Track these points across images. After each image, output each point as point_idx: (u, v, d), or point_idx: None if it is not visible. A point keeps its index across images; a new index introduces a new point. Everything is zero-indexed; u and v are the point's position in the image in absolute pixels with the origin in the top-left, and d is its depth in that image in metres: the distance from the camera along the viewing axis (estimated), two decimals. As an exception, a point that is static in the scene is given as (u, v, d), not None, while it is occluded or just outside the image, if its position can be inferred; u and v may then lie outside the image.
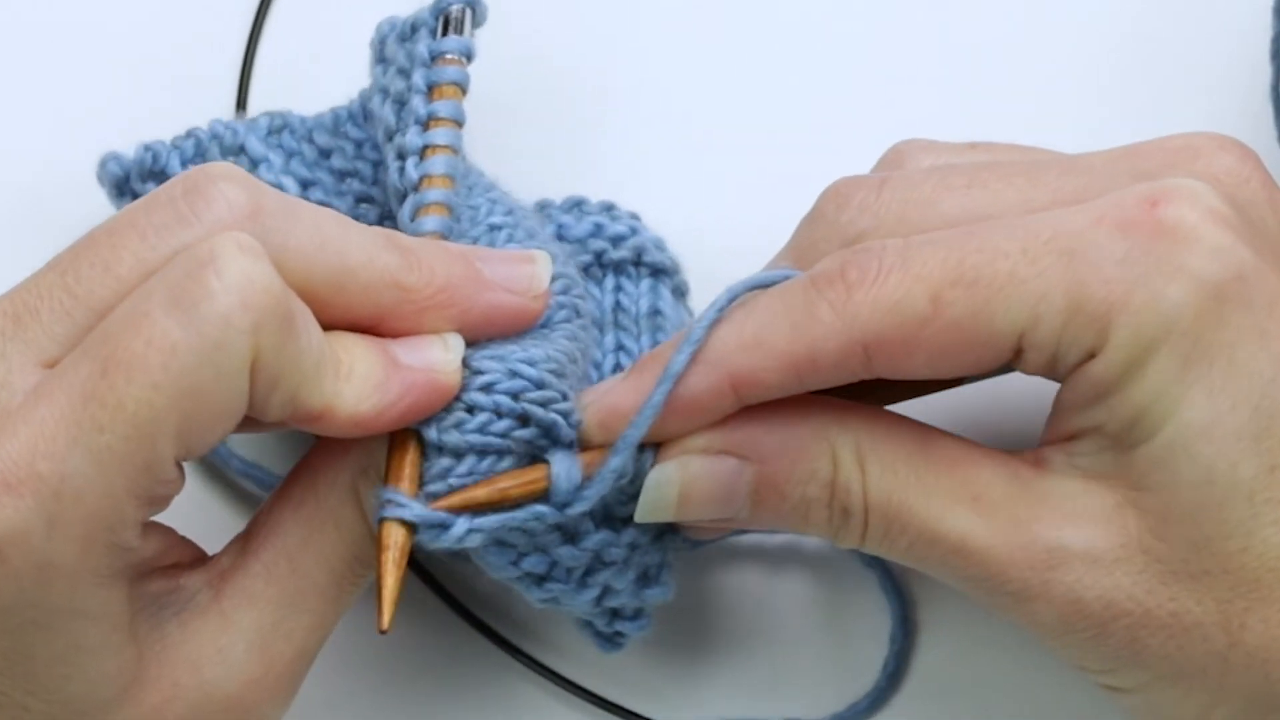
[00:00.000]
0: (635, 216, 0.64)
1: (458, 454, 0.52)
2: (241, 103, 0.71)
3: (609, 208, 0.64)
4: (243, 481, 0.65)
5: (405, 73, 0.59)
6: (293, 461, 0.56)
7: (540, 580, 0.55)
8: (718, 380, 0.53)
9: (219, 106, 0.71)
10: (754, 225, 0.61)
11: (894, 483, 0.53)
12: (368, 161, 0.62)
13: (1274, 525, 0.51)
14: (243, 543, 0.54)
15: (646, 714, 0.64)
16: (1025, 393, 0.58)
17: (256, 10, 0.72)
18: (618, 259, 0.62)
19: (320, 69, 0.70)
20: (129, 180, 0.62)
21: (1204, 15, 0.64)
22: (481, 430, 0.52)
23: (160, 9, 0.72)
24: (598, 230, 0.62)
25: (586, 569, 0.55)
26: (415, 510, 0.51)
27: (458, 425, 0.52)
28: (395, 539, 0.51)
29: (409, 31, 0.60)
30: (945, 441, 0.54)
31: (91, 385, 0.48)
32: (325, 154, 0.62)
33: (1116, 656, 0.53)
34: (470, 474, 0.52)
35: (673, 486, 0.54)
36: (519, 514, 0.52)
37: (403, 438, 0.52)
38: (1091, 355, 0.51)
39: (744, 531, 0.63)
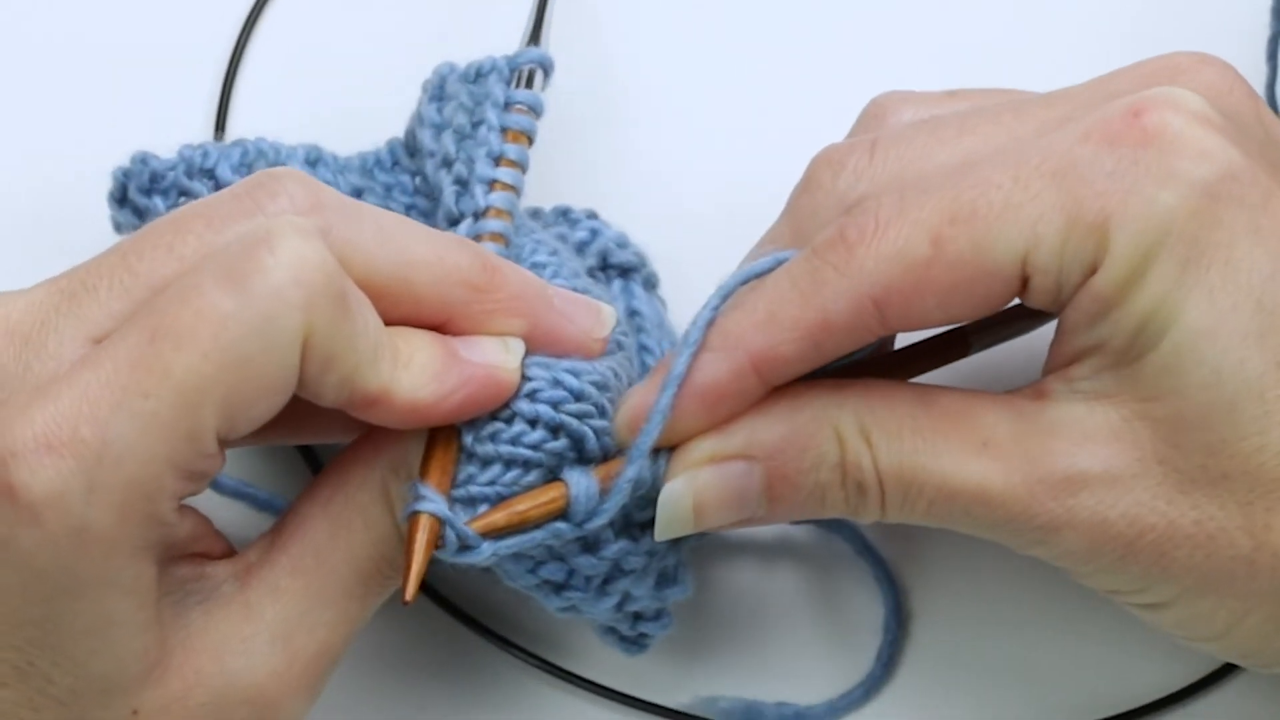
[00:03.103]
0: (592, 215, 0.64)
1: (486, 462, 0.52)
2: (220, 125, 0.71)
3: (565, 212, 0.64)
4: (235, 501, 0.65)
5: (468, 110, 0.60)
6: (285, 482, 0.57)
7: (559, 589, 0.55)
8: (738, 363, 0.53)
9: (196, 130, 0.71)
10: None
11: (902, 448, 0.53)
12: (398, 204, 0.62)
13: None
14: (271, 538, 0.54)
15: (642, 696, 0.63)
16: (1022, 369, 0.59)
17: (238, 35, 0.72)
18: (586, 268, 0.62)
19: (299, 94, 0.71)
20: (159, 184, 0.61)
21: (1203, 15, 0.64)
22: (514, 441, 0.52)
23: (139, 31, 0.73)
24: (561, 241, 0.62)
25: (605, 577, 0.55)
26: (445, 510, 0.51)
27: (493, 435, 0.52)
28: (425, 529, 0.51)
29: (474, 75, 0.61)
30: (944, 396, 0.54)
31: (139, 352, 0.48)
32: (357, 193, 0.62)
33: (1146, 574, 0.52)
34: (492, 483, 0.52)
35: (685, 500, 0.54)
36: (539, 534, 0.52)
37: (444, 436, 0.53)
38: (1093, 271, 0.51)
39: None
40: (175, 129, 0.70)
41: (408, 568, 0.51)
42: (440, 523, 0.51)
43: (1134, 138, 0.51)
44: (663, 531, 0.54)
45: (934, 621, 0.64)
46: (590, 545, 0.54)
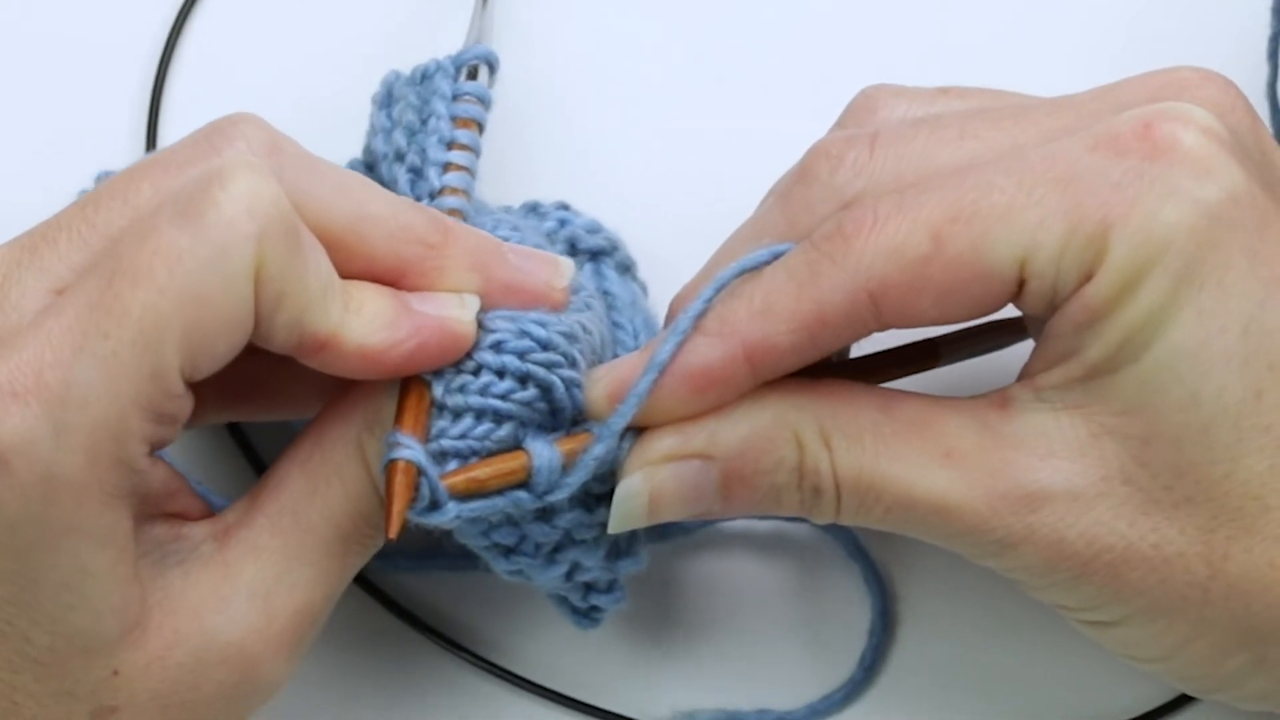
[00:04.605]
0: (564, 206, 0.64)
1: (457, 414, 0.52)
2: (151, 137, 0.71)
3: (534, 206, 0.64)
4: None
5: (417, 107, 0.61)
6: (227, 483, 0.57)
7: (508, 552, 0.55)
8: (731, 350, 0.52)
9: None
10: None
11: (862, 455, 0.53)
12: None
13: (1258, 452, 0.51)
14: (250, 499, 0.54)
15: (620, 711, 0.63)
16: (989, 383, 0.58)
17: (163, 48, 0.72)
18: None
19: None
20: None
21: (1203, 15, 0.64)
22: (483, 392, 0.52)
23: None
24: (530, 229, 0.62)
25: (555, 546, 0.55)
26: (421, 458, 0.51)
27: (462, 387, 0.52)
28: (403, 473, 0.51)
29: (420, 77, 0.62)
30: (908, 402, 0.54)
31: (98, 295, 0.48)
32: None
33: (1098, 594, 0.52)
34: (463, 437, 0.52)
35: (641, 498, 0.54)
36: (499, 500, 0.52)
37: (415, 388, 0.53)
38: (1088, 278, 0.51)
39: (712, 523, 0.63)
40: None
41: (389, 510, 0.51)
42: (417, 470, 0.51)
43: (1143, 150, 0.51)
44: (618, 524, 0.54)
45: (919, 628, 0.64)
46: (545, 513, 0.54)
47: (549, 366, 0.53)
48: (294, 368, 0.53)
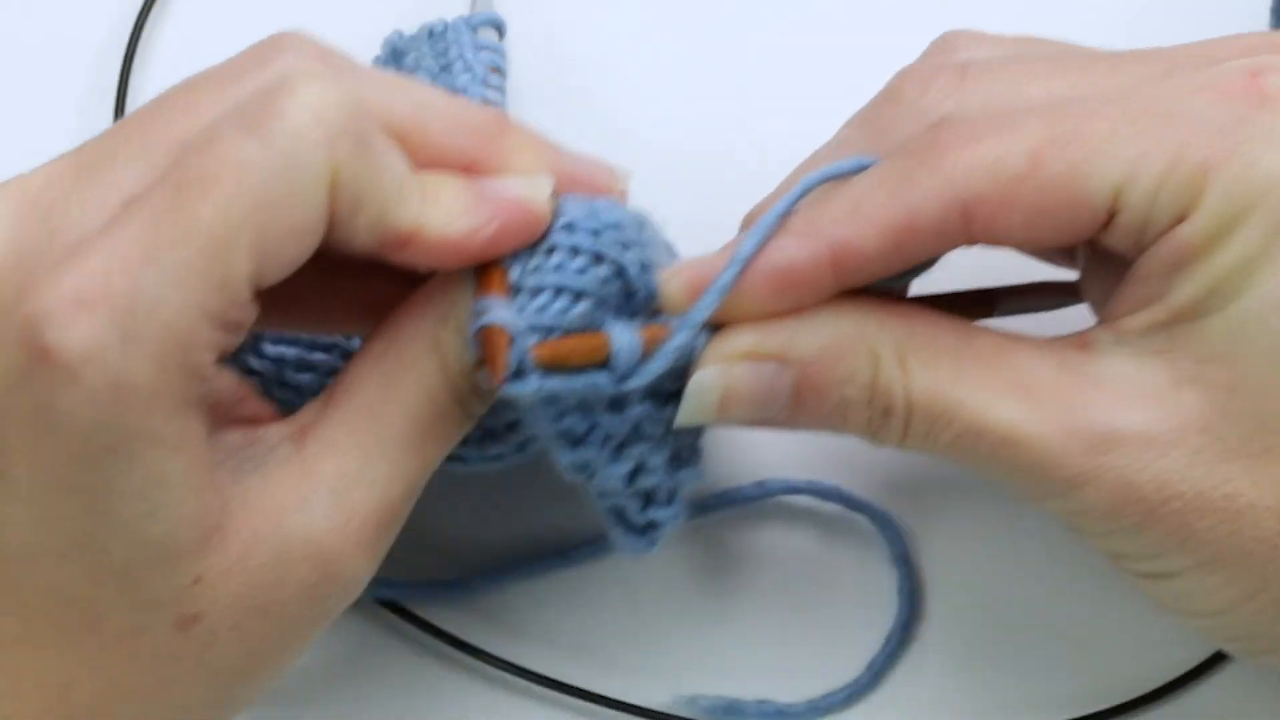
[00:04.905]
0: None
1: (534, 293, 0.52)
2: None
3: None
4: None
5: (436, 55, 0.62)
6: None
7: (576, 442, 0.54)
8: (816, 251, 0.52)
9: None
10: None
11: (937, 378, 0.53)
12: None
13: None
14: (325, 399, 0.54)
15: (621, 698, 0.63)
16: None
17: (128, 40, 0.73)
18: None
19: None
20: None
21: (1203, 15, 0.65)
22: (558, 270, 0.52)
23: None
24: None
25: (622, 440, 0.55)
26: (513, 319, 0.51)
27: (537, 267, 0.52)
28: (500, 335, 0.51)
29: (430, 34, 0.63)
30: (985, 334, 0.53)
31: (165, 205, 0.48)
32: None
33: (1162, 542, 0.52)
34: (542, 312, 0.52)
35: (715, 392, 0.53)
36: (578, 381, 0.52)
37: (491, 272, 0.52)
38: (1180, 219, 0.51)
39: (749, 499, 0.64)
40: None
41: (494, 365, 0.51)
42: (508, 336, 0.51)
43: (1249, 98, 0.51)
44: (686, 417, 0.54)
45: (937, 643, 0.64)
46: (617, 404, 0.54)
47: (622, 246, 0.53)
48: (334, 282, 0.54)
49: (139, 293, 0.47)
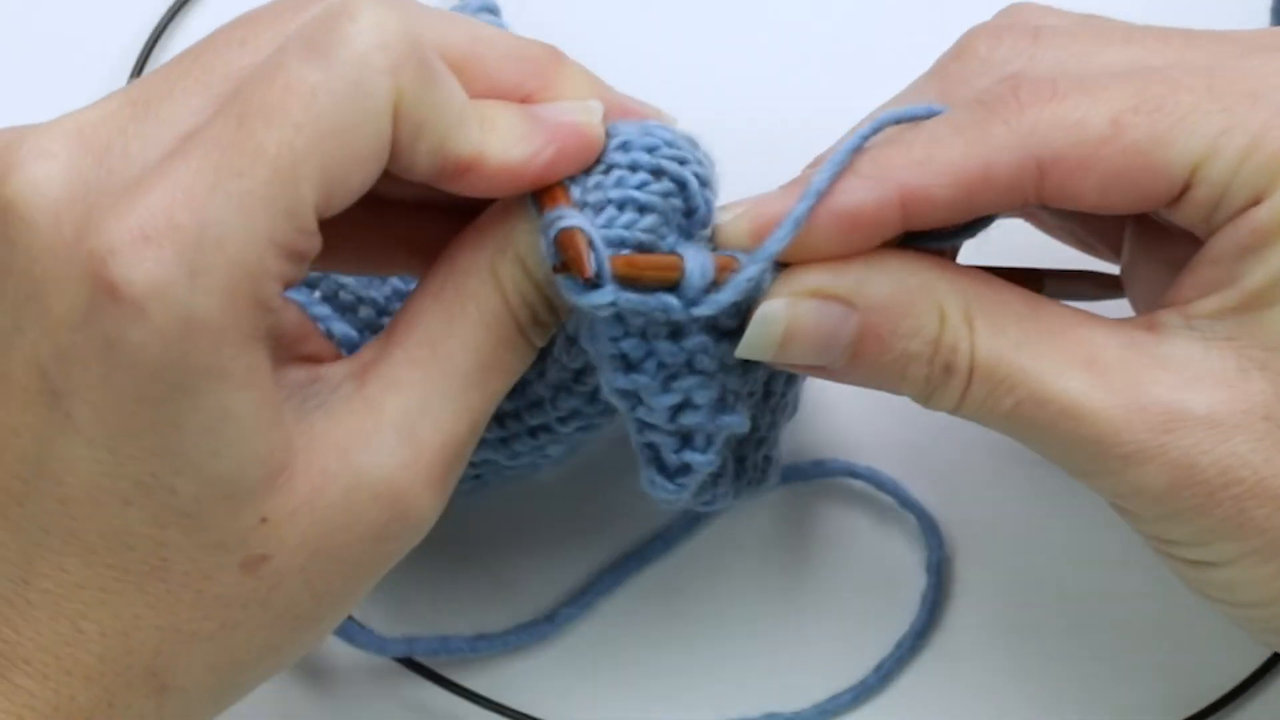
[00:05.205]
0: None
1: (599, 208, 0.52)
2: None
3: None
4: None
5: None
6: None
7: (629, 368, 0.54)
8: (886, 194, 0.51)
9: None
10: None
11: (1003, 343, 0.52)
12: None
13: None
14: (385, 336, 0.53)
15: None
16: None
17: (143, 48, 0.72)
18: None
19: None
20: None
21: (1203, 15, 0.63)
22: (619, 185, 0.52)
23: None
24: None
25: (674, 372, 0.54)
26: (589, 225, 0.51)
27: (598, 184, 0.52)
28: (580, 236, 0.51)
29: None
30: (1054, 307, 0.53)
31: (229, 135, 0.47)
32: None
33: (1216, 528, 0.51)
34: (609, 225, 0.52)
35: (779, 324, 0.53)
36: (650, 300, 0.52)
37: (553, 194, 0.52)
38: (1256, 201, 0.51)
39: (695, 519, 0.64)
40: None
41: (579, 265, 0.50)
42: (587, 240, 0.51)
43: None
44: (746, 349, 0.53)
45: (949, 654, 0.64)
46: (675, 332, 0.54)
47: (679, 161, 0.53)
48: (380, 219, 0.53)
49: (205, 225, 0.46)
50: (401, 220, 0.56)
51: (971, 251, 0.56)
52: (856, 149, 0.52)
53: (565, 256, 0.51)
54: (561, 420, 0.58)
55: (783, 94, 0.70)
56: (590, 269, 0.50)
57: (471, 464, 0.57)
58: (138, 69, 0.71)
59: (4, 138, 0.50)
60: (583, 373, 0.56)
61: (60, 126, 0.50)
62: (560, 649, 0.64)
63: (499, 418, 0.58)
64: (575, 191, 0.52)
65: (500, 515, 0.65)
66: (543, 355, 0.56)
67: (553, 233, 0.51)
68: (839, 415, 0.63)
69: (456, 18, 0.52)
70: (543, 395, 0.58)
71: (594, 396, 0.57)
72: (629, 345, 0.53)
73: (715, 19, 0.72)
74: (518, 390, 0.57)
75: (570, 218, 0.51)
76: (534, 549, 0.65)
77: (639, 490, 0.56)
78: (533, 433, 0.59)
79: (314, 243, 0.49)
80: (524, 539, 0.65)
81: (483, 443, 0.57)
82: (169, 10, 0.72)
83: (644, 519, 0.65)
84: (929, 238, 0.53)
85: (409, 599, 0.64)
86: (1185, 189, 0.51)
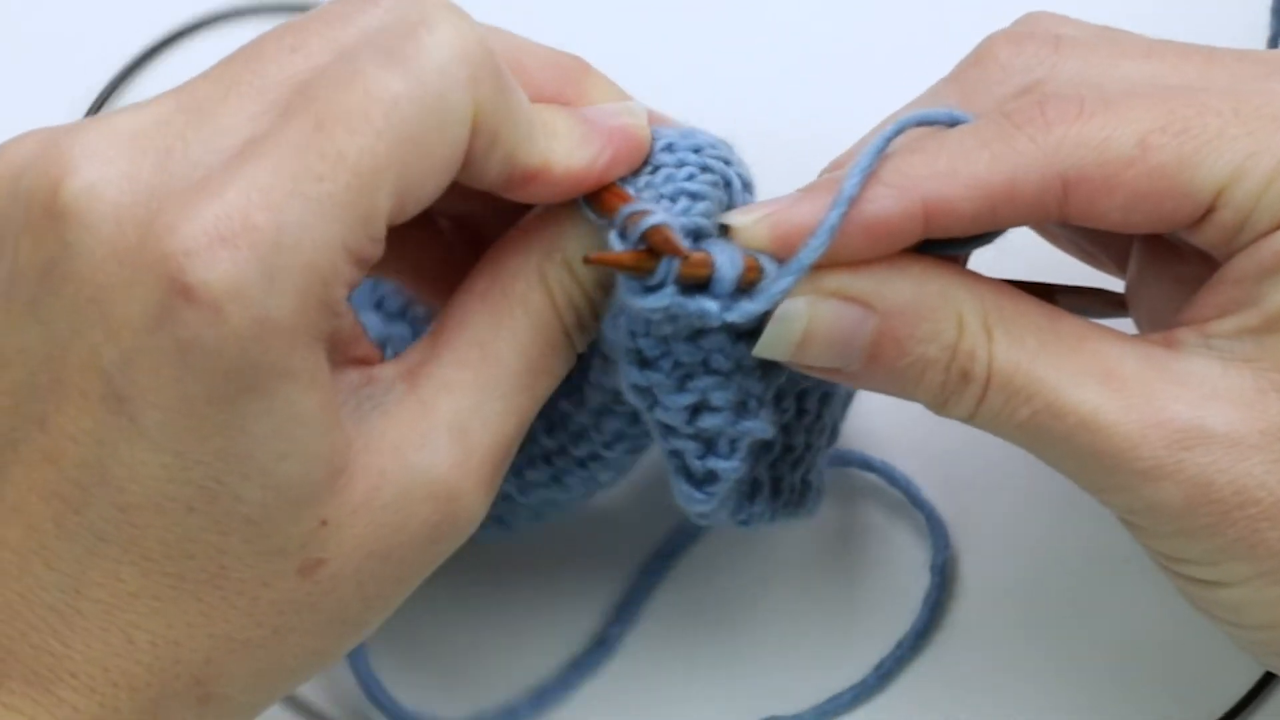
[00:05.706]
0: None
1: (654, 201, 0.52)
2: None
3: None
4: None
5: None
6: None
7: (645, 364, 0.54)
8: (910, 204, 0.51)
9: None
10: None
11: (1021, 353, 0.52)
12: None
13: None
14: (432, 338, 0.53)
15: None
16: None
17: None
18: None
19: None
20: None
21: (1203, 15, 0.66)
22: (669, 180, 0.53)
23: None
24: None
25: (690, 371, 0.54)
26: (673, 219, 0.51)
27: (649, 183, 0.53)
28: (667, 229, 0.51)
29: None
30: (1072, 319, 0.53)
31: (306, 139, 0.47)
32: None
33: (1228, 548, 0.51)
34: (668, 213, 0.52)
35: (799, 323, 0.52)
36: (690, 304, 0.52)
37: (610, 190, 0.52)
38: (1279, 226, 0.51)
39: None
40: None
41: (681, 254, 0.51)
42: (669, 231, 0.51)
43: None
44: (764, 347, 0.53)
45: (948, 657, 0.64)
46: (694, 332, 0.54)
47: (724, 161, 0.54)
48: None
49: (282, 228, 0.46)
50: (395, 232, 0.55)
51: (978, 258, 0.56)
52: (881, 152, 0.52)
53: (662, 251, 0.51)
54: (608, 445, 0.58)
55: (785, 95, 0.71)
56: (687, 254, 0.51)
57: (526, 505, 0.58)
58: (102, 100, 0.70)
59: (41, 139, 0.49)
60: (621, 393, 0.56)
61: (110, 129, 0.49)
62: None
63: (546, 457, 0.58)
64: (629, 190, 0.53)
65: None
66: (579, 385, 0.56)
67: (639, 229, 0.51)
68: (862, 408, 0.63)
69: (495, 27, 0.53)
70: (585, 424, 0.58)
71: (636, 417, 0.57)
72: (646, 344, 0.54)
73: (715, 20, 0.73)
74: (560, 426, 0.58)
75: (655, 214, 0.51)
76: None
77: (637, 508, 0.57)
78: (582, 464, 0.59)
79: (380, 249, 0.49)
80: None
81: (534, 484, 0.58)
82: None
83: (645, 536, 0.66)
84: (943, 244, 0.53)
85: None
86: (1209, 211, 0.51)
